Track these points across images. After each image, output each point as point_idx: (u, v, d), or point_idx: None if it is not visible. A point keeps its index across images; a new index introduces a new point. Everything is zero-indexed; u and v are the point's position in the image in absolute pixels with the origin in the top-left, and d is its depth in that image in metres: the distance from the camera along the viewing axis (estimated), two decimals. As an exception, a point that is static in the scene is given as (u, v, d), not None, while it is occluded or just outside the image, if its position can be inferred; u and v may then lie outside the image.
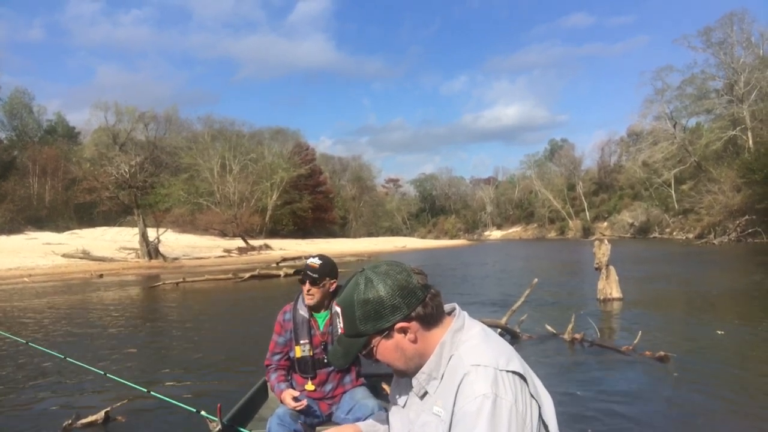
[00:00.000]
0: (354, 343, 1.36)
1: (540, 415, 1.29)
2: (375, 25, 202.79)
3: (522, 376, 1.29)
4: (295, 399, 2.88)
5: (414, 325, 1.33)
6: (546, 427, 1.29)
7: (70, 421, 4.70)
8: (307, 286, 2.98)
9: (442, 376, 1.34)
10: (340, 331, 1.39)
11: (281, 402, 2.96)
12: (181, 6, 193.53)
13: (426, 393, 1.37)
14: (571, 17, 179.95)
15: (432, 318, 1.36)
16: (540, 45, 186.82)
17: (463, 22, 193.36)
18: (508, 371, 1.27)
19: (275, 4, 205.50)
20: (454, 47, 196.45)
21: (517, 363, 1.31)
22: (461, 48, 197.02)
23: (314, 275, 2.96)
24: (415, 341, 1.34)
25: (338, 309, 1.38)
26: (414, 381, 1.39)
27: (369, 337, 1.34)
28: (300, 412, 2.89)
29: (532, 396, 1.29)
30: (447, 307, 1.43)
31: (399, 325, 1.32)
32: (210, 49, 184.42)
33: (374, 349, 1.36)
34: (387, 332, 1.33)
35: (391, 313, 1.32)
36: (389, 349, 1.36)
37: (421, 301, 1.34)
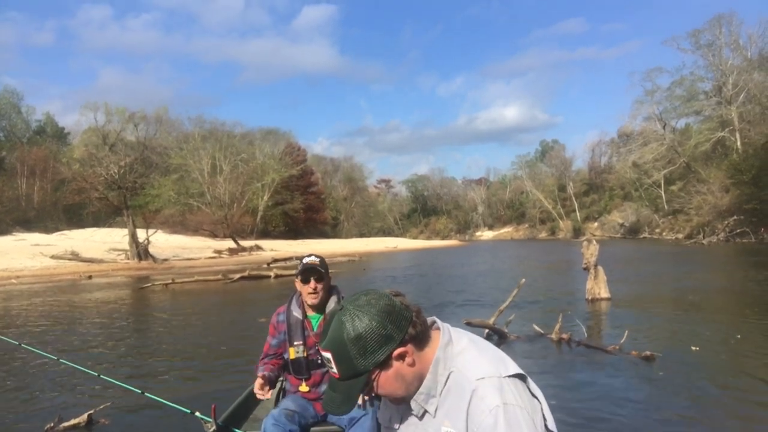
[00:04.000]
0: (354, 384, 1.31)
1: (542, 411, 1.33)
2: (377, 31, 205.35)
3: (522, 377, 1.33)
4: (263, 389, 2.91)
5: (410, 347, 1.31)
6: (544, 420, 1.33)
7: (51, 424, 4.66)
8: (312, 284, 3.00)
9: (441, 392, 1.34)
10: (333, 376, 1.33)
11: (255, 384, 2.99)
12: (188, 12, 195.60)
13: (425, 412, 1.36)
14: (567, 23, 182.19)
15: (423, 336, 1.35)
16: (536, 49, 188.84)
17: (462, 28, 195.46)
18: (510, 376, 1.30)
19: (281, 9, 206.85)
20: (453, 52, 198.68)
21: (514, 365, 1.35)
22: (459, 52, 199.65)
23: (321, 270, 3.01)
24: (413, 364, 1.32)
25: (327, 354, 1.31)
26: (412, 403, 1.37)
27: (369, 373, 1.30)
28: (295, 412, 2.95)
29: (532, 395, 1.33)
30: (427, 320, 1.42)
31: (397, 351, 1.30)
32: (214, 53, 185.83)
33: (375, 384, 1.32)
34: (385, 362, 1.30)
35: (386, 342, 1.28)
36: (390, 379, 1.32)
37: (410, 322, 1.32)
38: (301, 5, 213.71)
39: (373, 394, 1.37)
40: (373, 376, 1.31)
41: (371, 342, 1.27)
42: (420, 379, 1.35)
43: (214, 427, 2.99)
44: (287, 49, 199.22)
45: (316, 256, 3.12)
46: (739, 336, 7.76)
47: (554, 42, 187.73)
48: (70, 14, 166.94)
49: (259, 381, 2.95)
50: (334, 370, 1.31)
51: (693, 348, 6.79)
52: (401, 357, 1.31)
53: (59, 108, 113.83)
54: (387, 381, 1.32)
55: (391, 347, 1.29)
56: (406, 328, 1.31)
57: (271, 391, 2.99)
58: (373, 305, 1.30)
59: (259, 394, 2.91)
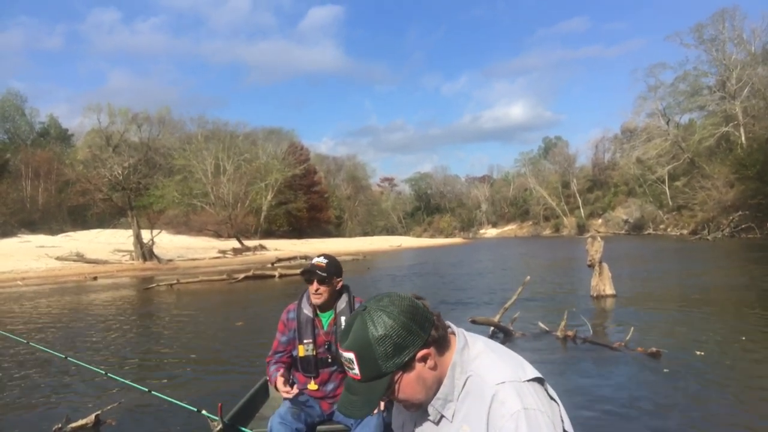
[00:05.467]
0: (376, 386, 1.28)
1: (559, 413, 1.33)
2: (382, 32, 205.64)
3: (540, 381, 1.32)
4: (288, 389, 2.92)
5: (432, 350, 1.30)
6: (562, 423, 1.32)
7: (60, 425, 4.67)
8: (315, 285, 3.00)
9: (458, 397, 1.32)
10: (354, 378, 1.30)
11: (275, 387, 3.01)
12: (196, 14, 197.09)
13: (442, 417, 1.35)
14: (570, 22, 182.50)
15: (444, 340, 1.34)
16: (540, 48, 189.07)
17: (466, 28, 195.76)
18: (529, 380, 1.29)
19: (287, 11, 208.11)
20: (457, 52, 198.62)
21: (532, 368, 1.34)
22: (463, 52, 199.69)
23: (322, 274, 2.98)
24: (434, 368, 1.31)
25: (350, 355, 1.27)
26: (429, 408, 1.35)
27: (392, 374, 1.28)
28: (301, 410, 2.95)
29: (551, 398, 1.33)
30: None
31: (420, 353, 1.28)
32: (221, 55, 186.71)
33: (397, 386, 1.30)
34: (408, 364, 1.28)
35: (411, 343, 1.27)
36: (411, 382, 1.30)
37: (433, 324, 1.31)
38: (307, 7, 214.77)
39: (393, 398, 1.34)
40: (396, 378, 1.29)
41: (396, 342, 1.25)
42: (438, 384, 1.33)
43: (220, 426, 3.00)
44: (293, 50, 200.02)
45: (326, 257, 3.10)
46: (744, 338, 7.72)
47: (558, 41, 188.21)
48: (80, 18, 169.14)
49: (280, 379, 2.94)
50: (356, 371, 1.28)
51: (698, 353, 6.77)
52: (424, 359, 1.29)
53: (67, 111, 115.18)
54: (408, 384, 1.30)
55: (415, 348, 1.27)
56: (430, 329, 1.30)
57: (295, 386, 2.99)
58: (396, 305, 1.29)
59: (285, 393, 2.90)
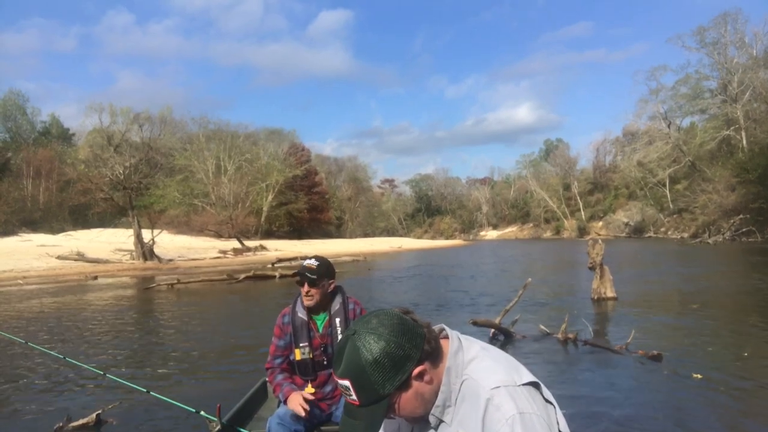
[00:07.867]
0: (375, 410, 1.27)
1: (555, 415, 1.32)
2: (391, 36, 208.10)
3: (536, 384, 1.32)
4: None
5: (426, 365, 1.30)
6: (557, 425, 1.32)
7: (60, 424, 4.66)
8: (305, 287, 2.99)
9: (455, 401, 1.32)
10: (352, 404, 1.29)
11: (285, 403, 2.93)
12: (208, 17, 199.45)
13: (441, 422, 1.35)
14: (575, 27, 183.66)
15: (437, 351, 1.33)
16: (545, 52, 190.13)
17: (473, 32, 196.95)
18: (524, 384, 1.29)
19: (298, 15, 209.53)
20: (463, 54, 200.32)
21: (527, 372, 1.34)
22: (470, 56, 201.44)
23: (312, 276, 2.97)
24: (431, 382, 1.31)
25: (346, 382, 1.26)
26: (431, 418, 1.35)
27: (390, 396, 1.27)
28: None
29: (546, 400, 1.32)
30: (435, 329, 1.40)
31: (416, 370, 1.28)
32: (231, 57, 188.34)
33: (396, 406, 1.30)
34: (405, 383, 1.28)
35: (405, 362, 1.26)
36: (410, 400, 1.30)
37: (424, 338, 1.30)
38: (318, 10, 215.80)
39: (393, 417, 1.34)
40: (395, 399, 1.29)
41: (390, 364, 1.25)
42: (436, 395, 1.33)
43: (219, 426, 2.99)
44: (302, 53, 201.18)
45: (317, 258, 3.08)
46: (744, 341, 7.70)
47: (562, 45, 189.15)
48: (94, 20, 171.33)
49: (300, 396, 2.85)
50: (354, 397, 1.27)
51: (699, 356, 6.73)
52: (420, 376, 1.29)
53: (76, 111, 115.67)
54: (407, 402, 1.30)
55: (410, 367, 1.27)
56: (422, 345, 1.29)
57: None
58: (386, 326, 1.27)
59: (302, 412, 2.81)
